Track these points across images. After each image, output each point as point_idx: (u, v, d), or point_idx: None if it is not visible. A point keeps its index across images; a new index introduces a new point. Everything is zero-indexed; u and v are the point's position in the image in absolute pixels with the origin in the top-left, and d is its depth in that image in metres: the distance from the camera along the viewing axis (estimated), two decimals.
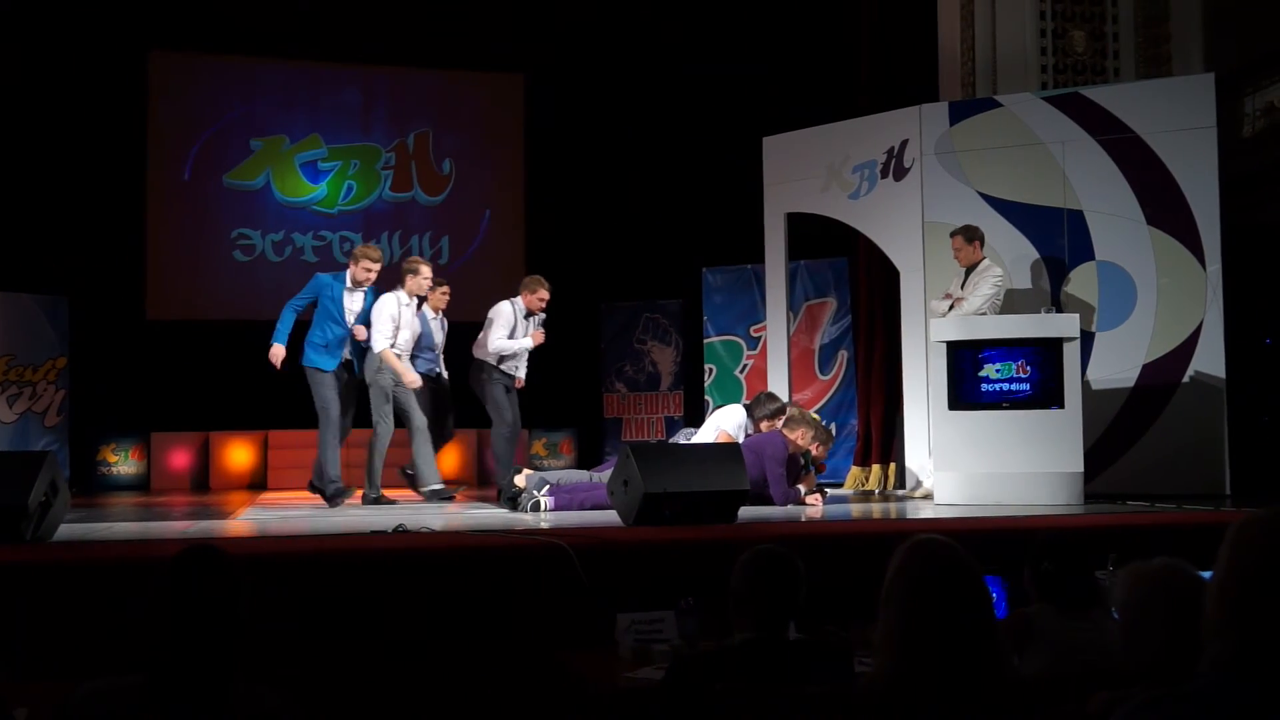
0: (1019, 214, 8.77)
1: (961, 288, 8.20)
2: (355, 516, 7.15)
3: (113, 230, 12.49)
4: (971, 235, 8.21)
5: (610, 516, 6.31)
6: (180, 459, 12.38)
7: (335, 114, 13.54)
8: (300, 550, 4.90)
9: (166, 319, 12.76)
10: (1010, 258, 8.69)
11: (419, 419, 8.20)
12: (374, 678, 4.38)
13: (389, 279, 8.49)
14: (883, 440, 10.27)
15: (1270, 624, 1.63)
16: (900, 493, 9.24)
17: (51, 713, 2.54)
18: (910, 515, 7.21)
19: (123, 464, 12.33)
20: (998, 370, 7.48)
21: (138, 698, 2.44)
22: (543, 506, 7.27)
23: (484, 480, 11.83)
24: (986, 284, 8.04)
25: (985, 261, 8.20)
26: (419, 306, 8.53)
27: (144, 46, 12.75)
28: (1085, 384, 7.94)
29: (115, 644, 4.01)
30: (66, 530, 5.74)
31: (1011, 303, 8.38)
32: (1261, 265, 9.38)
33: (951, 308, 8.05)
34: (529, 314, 8.63)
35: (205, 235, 13.09)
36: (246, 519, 7.51)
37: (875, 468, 10.29)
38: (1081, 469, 7.35)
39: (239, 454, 12.43)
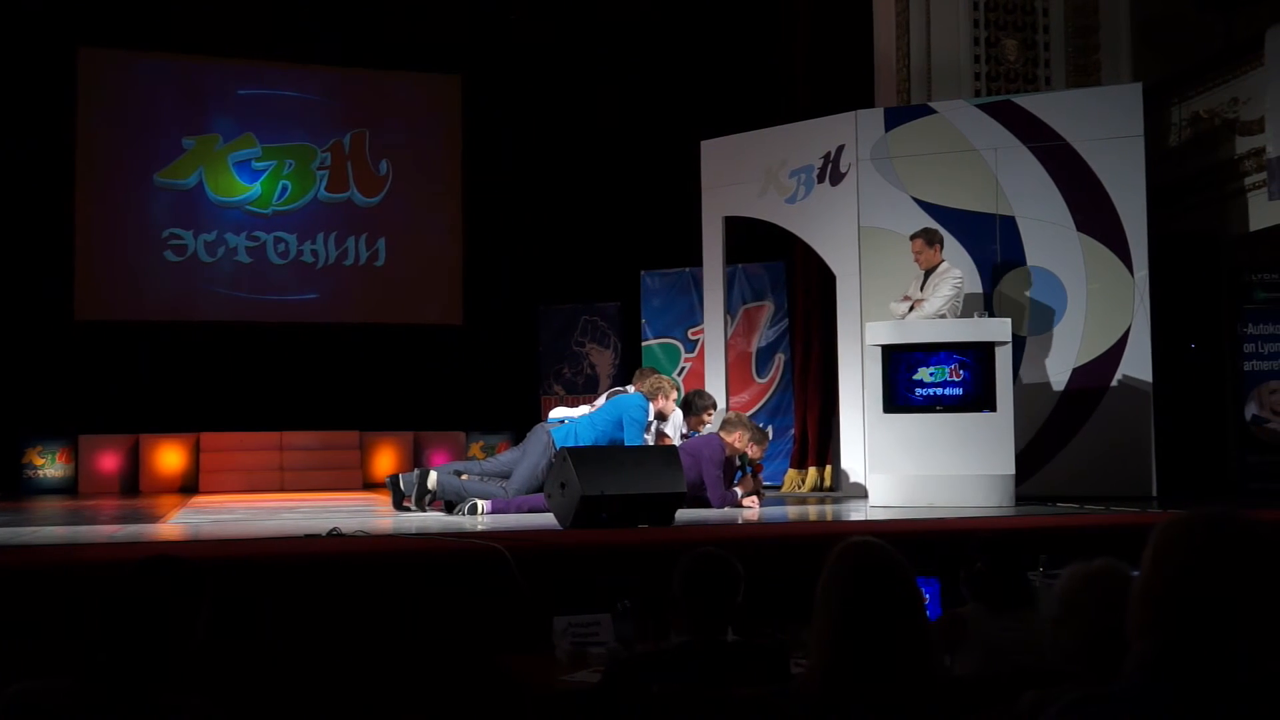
0: (952, 219, 8.86)
1: (921, 289, 8.21)
2: (289, 520, 7.08)
3: (40, 229, 12.24)
4: (932, 238, 8.19)
5: (547, 520, 6.30)
6: (109, 462, 12.15)
7: (270, 113, 13.37)
8: (233, 555, 4.83)
9: (95, 319, 12.53)
10: None
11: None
12: (309, 683, 4.33)
13: None
14: (819, 443, 10.35)
15: (1193, 625, 1.67)
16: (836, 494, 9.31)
17: None
18: (845, 517, 7.27)
19: (49, 467, 12.07)
20: (931, 374, 7.57)
21: (66, 700, 2.44)
22: (480, 510, 7.24)
23: None
24: (946, 286, 8.03)
25: (944, 264, 8.13)
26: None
27: (73, 43, 12.52)
28: (1017, 387, 8.06)
29: (42, 648, 3.94)
30: None
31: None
32: (1187, 272, 9.57)
33: (911, 309, 8.06)
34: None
35: (136, 235, 12.87)
36: (177, 522, 7.40)
37: (812, 470, 10.36)
38: (1013, 471, 7.46)
39: (170, 457, 12.23)
